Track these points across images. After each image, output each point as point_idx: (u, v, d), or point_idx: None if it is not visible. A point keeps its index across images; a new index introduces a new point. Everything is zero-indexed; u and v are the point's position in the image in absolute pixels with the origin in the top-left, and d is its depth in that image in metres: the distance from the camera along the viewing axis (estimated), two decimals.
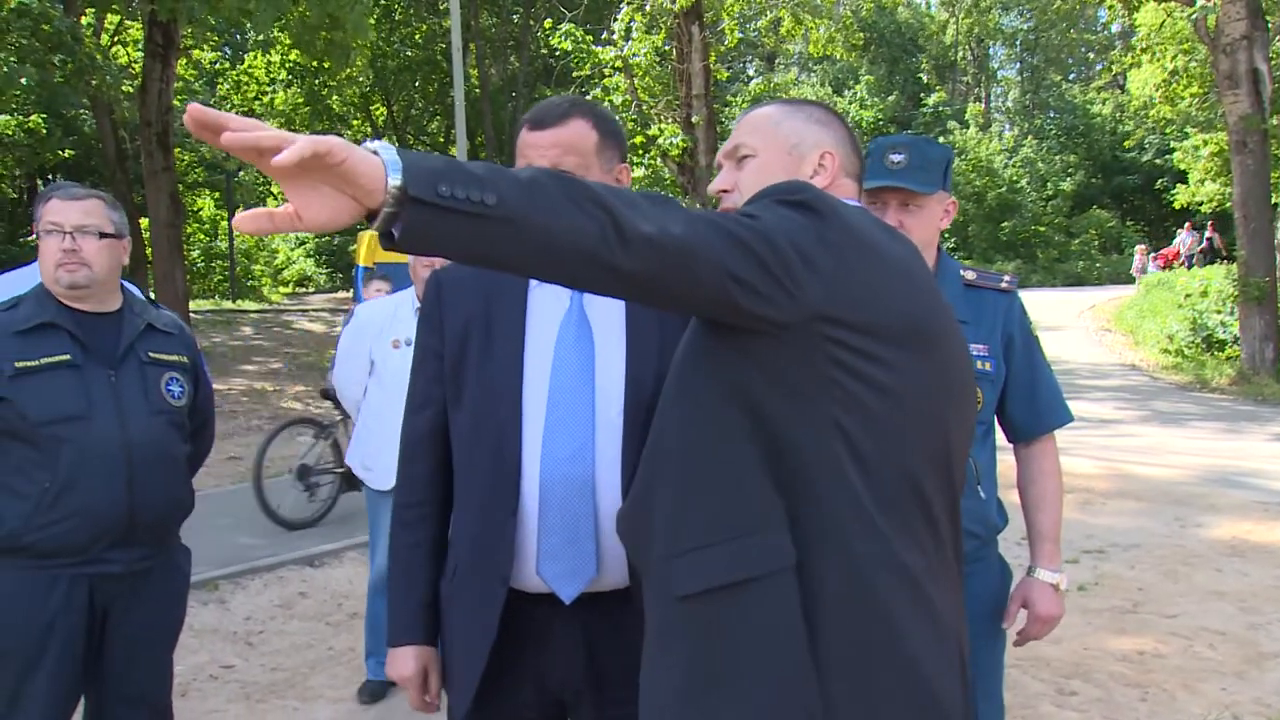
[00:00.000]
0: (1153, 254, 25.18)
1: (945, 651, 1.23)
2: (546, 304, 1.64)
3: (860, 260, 1.20)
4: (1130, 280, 23.88)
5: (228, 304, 19.97)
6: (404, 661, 1.70)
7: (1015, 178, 29.76)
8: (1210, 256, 23.91)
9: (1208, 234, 24.68)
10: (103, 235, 2.27)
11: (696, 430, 1.24)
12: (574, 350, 1.61)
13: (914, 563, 1.22)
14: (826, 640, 1.17)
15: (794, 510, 1.19)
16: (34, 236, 2.31)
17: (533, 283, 1.66)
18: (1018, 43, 39.35)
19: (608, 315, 1.63)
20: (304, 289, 25.85)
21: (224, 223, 22.20)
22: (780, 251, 1.13)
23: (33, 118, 16.49)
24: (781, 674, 1.16)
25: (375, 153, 1.00)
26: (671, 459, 1.26)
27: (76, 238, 2.23)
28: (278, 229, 1.01)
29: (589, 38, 15.46)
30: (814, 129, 1.43)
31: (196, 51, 20.53)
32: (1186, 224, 25.21)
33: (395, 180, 0.99)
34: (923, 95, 34.52)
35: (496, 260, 1.07)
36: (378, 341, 3.55)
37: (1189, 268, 24.20)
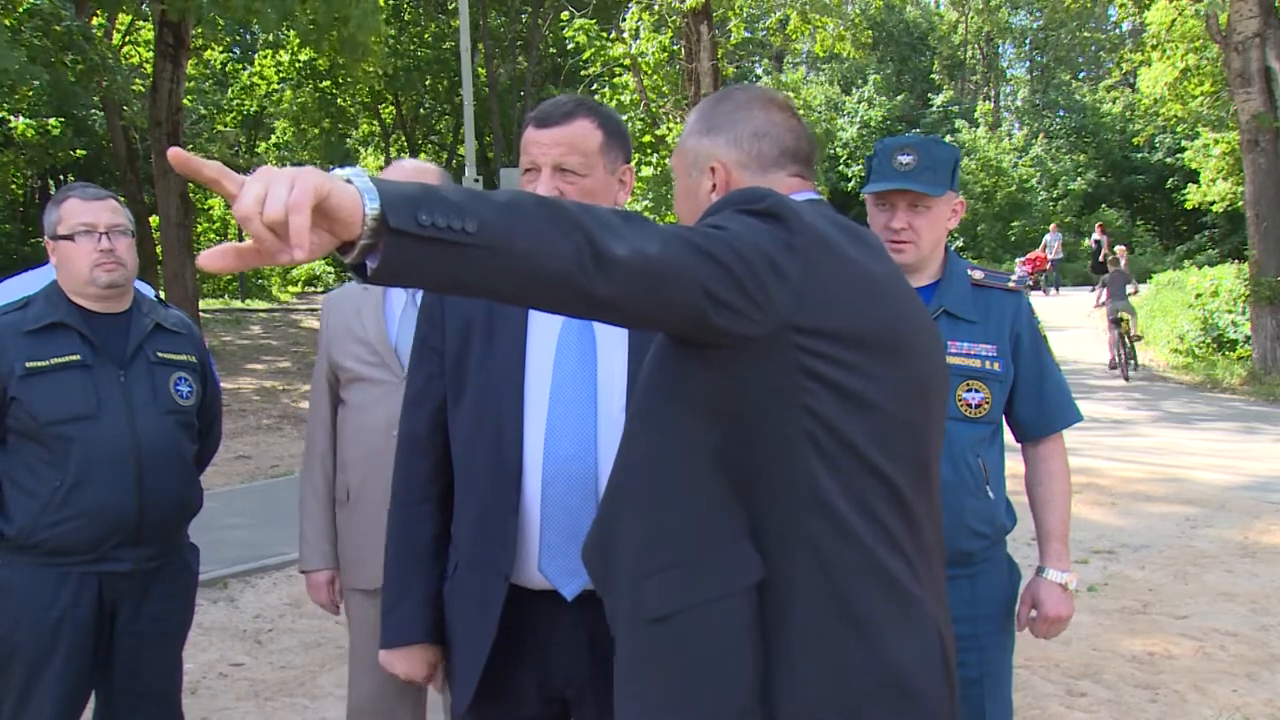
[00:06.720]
0: (1019, 258, 23.63)
1: (929, 654, 1.23)
2: None
3: (826, 266, 1.18)
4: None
5: (237, 303, 20.04)
6: (402, 664, 1.71)
7: (1025, 177, 29.62)
8: (1097, 263, 21.91)
9: (1096, 236, 22.77)
10: (129, 234, 2.31)
11: (664, 447, 1.21)
12: (576, 348, 1.61)
13: (896, 567, 1.20)
14: (803, 649, 1.16)
15: (766, 523, 1.17)
16: (50, 241, 2.31)
17: None
18: (1027, 41, 39.18)
19: None
20: (313, 288, 25.87)
21: (234, 222, 22.25)
22: (750, 264, 1.11)
23: (48, 120, 16.57)
24: (752, 689, 1.15)
25: (349, 181, 0.94)
26: (638, 480, 1.24)
27: (111, 237, 2.26)
28: (246, 266, 0.94)
29: (603, 33, 15.46)
30: (704, 143, 1.39)
31: (207, 52, 20.58)
32: (1053, 225, 23.71)
33: (373, 209, 0.93)
34: (931, 94, 34.41)
35: (474, 288, 1.03)
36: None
37: (1054, 271, 22.63)
